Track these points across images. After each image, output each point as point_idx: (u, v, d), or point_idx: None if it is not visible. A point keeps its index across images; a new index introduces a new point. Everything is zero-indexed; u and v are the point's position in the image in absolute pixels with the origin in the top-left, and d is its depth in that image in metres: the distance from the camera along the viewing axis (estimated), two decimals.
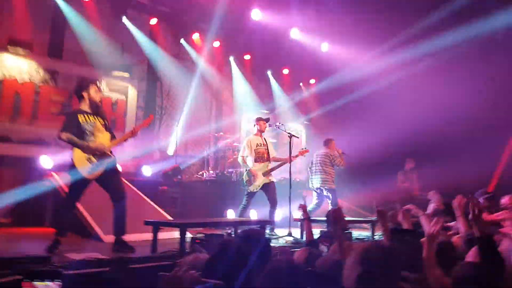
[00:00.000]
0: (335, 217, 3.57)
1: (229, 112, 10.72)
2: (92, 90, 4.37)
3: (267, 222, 5.81)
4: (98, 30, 8.11)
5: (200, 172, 9.00)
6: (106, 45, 8.19)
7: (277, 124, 6.88)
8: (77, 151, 4.18)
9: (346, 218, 7.05)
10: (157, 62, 9.28)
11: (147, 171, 7.98)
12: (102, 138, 4.34)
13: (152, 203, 6.45)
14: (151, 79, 9.49)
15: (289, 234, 5.91)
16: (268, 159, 6.39)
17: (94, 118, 4.35)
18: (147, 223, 4.58)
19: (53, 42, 7.97)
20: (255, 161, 6.30)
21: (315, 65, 11.36)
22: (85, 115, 4.30)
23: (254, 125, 6.53)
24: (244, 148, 6.37)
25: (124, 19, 8.78)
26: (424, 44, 9.30)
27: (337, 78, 11.01)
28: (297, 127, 11.59)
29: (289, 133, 6.48)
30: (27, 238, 5.29)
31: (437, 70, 9.48)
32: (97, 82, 4.57)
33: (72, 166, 4.18)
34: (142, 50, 9.03)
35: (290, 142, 6.40)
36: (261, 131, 6.47)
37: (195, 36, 9.94)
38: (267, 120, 6.60)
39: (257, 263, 2.16)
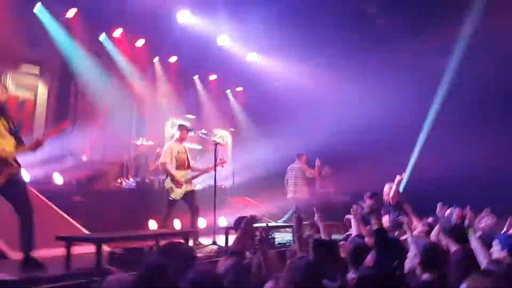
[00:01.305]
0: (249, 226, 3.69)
1: (152, 117, 10.20)
2: None
3: (191, 232, 5.65)
4: (4, 17, 7.20)
5: (119, 180, 8.42)
6: (12, 36, 7.29)
7: (203, 131, 6.85)
8: None
9: (270, 224, 7.29)
10: (73, 58, 8.46)
11: (59, 179, 7.23)
12: (5, 145, 3.85)
13: (64, 214, 5.85)
14: (64, 76, 8.60)
15: (214, 243, 5.86)
16: (189, 167, 6.32)
17: None
18: (58, 238, 4.14)
19: None
20: (176, 168, 6.18)
21: (243, 73, 11.36)
22: None
23: (177, 131, 6.43)
24: (165, 155, 6.18)
25: (37, 7, 7.91)
26: (345, 59, 9.86)
27: (263, 88, 11.23)
28: (223, 134, 11.49)
29: (214, 141, 6.44)
30: None
31: (352, 83, 10.20)
32: (5, 80, 4.06)
33: None
34: (55, 43, 8.18)
35: (215, 150, 6.33)
36: (182, 139, 6.34)
37: (117, 32, 9.29)
38: (190, 129, 6.54)
39: (178, 276, 2.13)
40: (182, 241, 4.95)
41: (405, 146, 10.12)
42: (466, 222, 3.66)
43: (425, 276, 2.76)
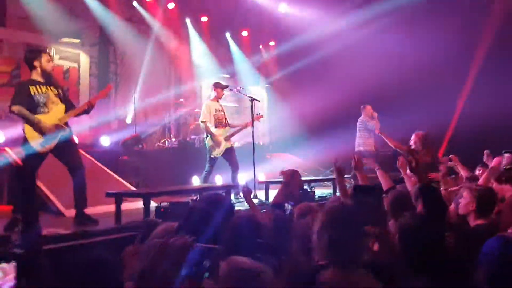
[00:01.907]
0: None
1: (188, 77, 10.44)
2: (44, 59, 4.17)
3: (232, 186, 5.89)
4: None
5: (162, 140, 8.84)
6: (53, 10, 7.64)
7: (238, 88, 6.90)
8: (28, 124, 4.01)
9: (308, 178, 7.43)
10: (109, 26, 8.78)
11: (106, 141, 7.73)
12: (56, 110, 4.18)
13: (113, 173, 6.31)
14: (103, 44, 9.01)
15: (255, 197, 5.99)
16: (227, 124, 6.43)
17: (47, 89, 4.16)
18: (109, 194, 4.50)
19: None
20: (215, 126, 6.28)
21: (274, 26, 11.18)
22: (37, 86, 4.12)
23: (212, 90, 6.46)
24: (204, 114, 6.30)
25: None
26: (374, 5, 9.44)
27: (296, 40, 10.99)
28: (258, 90, 11.54)
29: (250, 96, 6.49)
30: None
31: (395, 27, 9.65)
32: (48, 51, 4.35)
33: (25, 140, 4.01)
34: (92, 13, 8.50)
35: (252, 106, 6.41)
36: (218, 97, 6.42)
37: None
38: (225, 86, 6.54)
39: (221, 223, 2.23)
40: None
41: (452, 91, 9.69)
42: None
43: (478, 222, 2.77)
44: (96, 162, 6.36)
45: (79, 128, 7.67)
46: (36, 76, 4.17)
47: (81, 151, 6.56)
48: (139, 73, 9.19)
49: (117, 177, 6.27)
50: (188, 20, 10.45)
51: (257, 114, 6.74)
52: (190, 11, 10.25)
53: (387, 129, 8.59)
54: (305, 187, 6.59)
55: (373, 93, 9.24)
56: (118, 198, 4.44)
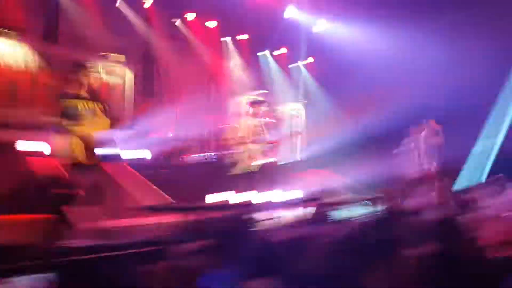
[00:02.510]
0: None
1: (227, 94, 10.62)
2: (91, 76, 4.35)
3: (274, 205, 5.81)
4: (92, 13, 7.95)
5: (201, 154, 8.97)
6: (101, 29, 8.04)
7: (277, 105, 6.93)
8: (74, 138, 4.17)
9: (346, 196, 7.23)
10: (153, 44, 9.15)
11: (147, 154, 7.95)
12: (101, 124, 4.30)
13: (154, 186, 6.44)
14: (147, 61, 9.39)
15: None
16: (264, 140, 6.45)
17: (93, 104, 4.30)
18: (150, 208, 4.59)
19: (48, 26, 7.85)
20: (253, 142, 6.35)
21: (312, 44, 11.21)
22: (85, 101, 4.26)
23: (249, 107, 6.59)
24: (242, 130, 6.46)
25: (119, 2, 8.62)
26: (423, 20, 9.21)
27: (334, 57, 10.95)
28: (296, 106, 11.53)
29: (289, 113, 6.50)
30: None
31: (439, 46, 9.44)
32: (95, 67, 4.51)
33: (70, 151, 4.16)
34: (137, 32, 8.88)
35: (290, 122, 6.42)
36: (255, 114, 6.50)
37: (190, 17, 9.76)
38: (261, 102, 6.67)
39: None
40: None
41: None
42: None
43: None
44: (138, 174, 6.52)
45: (124, 138, 7.96)
46: (83, 92, 4.34)
47: (124, 164, 6.82)
48: (181, 89, 9.44)
49: (158, 190, 6.38)
50: (227, 39, 10.70)
51: (296, 131, 6.74)
52: (230, 29, 10.50)
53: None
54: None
55: (415, 113, 9.00)
56: (158, 210, 4.52)
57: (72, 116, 4.19)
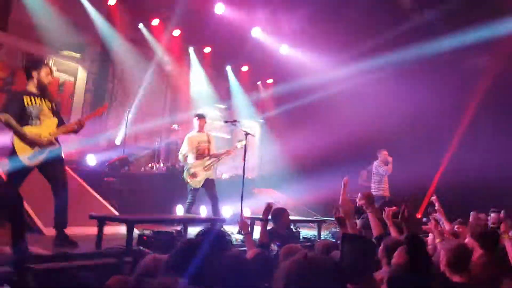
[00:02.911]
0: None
1: (184, 105, 10.41)
2: (44, 71, 4.10)
3: (218, 220, 5.74)
4: (50, 4, 7.50)
5: (150, 165, 8.66)
6: (58, 22, 7.60)
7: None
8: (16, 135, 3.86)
9: (294, 218, 7.30)
10: (112, 45, 8.75)
11: (92, 160, 7.53)
12: (48, 123, 4.06)
13: (97, 195, 6.09)
14: (103, 61, 8.94)
15: (240, 232, 5.86)
16: (209, 155, 6.35)
17: (41, 101, 4.05)
18: (92, 217, 4.32)
19: None
20: (196, 158, 6.27)
21: (274, 65, 11.40)
22: (32, 97, 4.01)
23: (196, 121, 6.48)
24: (185, 145, 6.35)
25: None
26: (376, 57, 9.76)
27: (294, 80, 11.21)
28: (252, 124, 11.58)
29: (245, 131, 6.50)
30: None
31: (392, 78, 10.06)
32: (49, 63, 4.26)
33: (12, 152, 3.85)
34: (96, 30, 8.47)
35: (246, 140, 6.38)
36: (201, 128, 6.44)
37: (155, 22, 9.49)
38: (205, 115, 6.64)
39: (210, 261, 2.13)
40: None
41: (442, 142, 9.98)
42: (502, 227, 3.53)
43: (455, 279, 2.76)
44: (80, 181, 6.15)
45: (66, 143, 7.47)
46: (32, 87, 4.08)
47: (66, 167, 6.39)
48: (135, 94, 9.11)
49: (101, 199, 6.05)
50: (191, 49, 10.53)
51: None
52: (194, 40, 10.35)
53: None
54: (291, 226, 6.48)
55: (363, 139, 9.40)
56: (101, 221, 4.27)
57: (17, 112, 3.88)
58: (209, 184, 6.24)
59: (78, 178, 6.17)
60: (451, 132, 10.17)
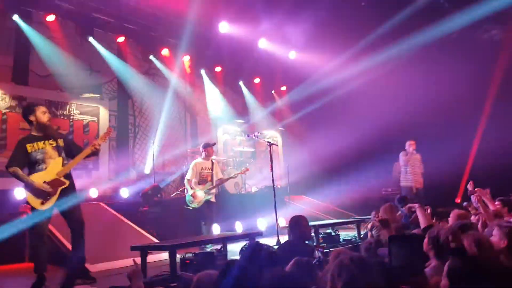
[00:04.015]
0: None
1: (204, 126, 10.62)
2: (39, 111, 4.18)
3: (256, 234, 5.77)
4: (64, 51, 7.87)
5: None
6: (73, 67, 7.97)
7: (256, 134, 7.00)
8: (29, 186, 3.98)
9: (331, 221, 7.27)
10: (127, 80, 9.08)
11: (125, 192, 7.77)
12: (53, 165, 4.09)
13: (134, 225, 6.27)
14: (122, 97, 9.27)
15: (278, 243, 5.85)
16: (211, 181, 6.55)
17: (44, 143, 4.12)
18: (134, 248, 4.44)
19: (18, 67, 7.64)
20: (199, 183, 6.48)
21: (285, 72, 11.49)
22: (34, 143, 4.08)
23: (202, 151, 6.68)
24: (189, 172, 6.56)
25: (91, 39, 8.58)
26: (386, 48, 9.64)
27: (307, 84, 11.23)
28: (273, 134, 11.63)
29: (267, 141, 6.57)
30: (9, 277, 5.00)
31: (408, 67, 9.81)
32: (43, 104, 4.36)
33: (27, 202, 3.99)
34: (111, 69, 8.82)
35: (270, 151, 6.46)
36: (208, 156, 6.63)
37: (164, 52, 9.80)
38: (213, 144, 6.86)
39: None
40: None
41: (470, 123, 9.71)
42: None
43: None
44: (116, 214, 6.35)
45: (99, 179, 7.77)
46: (34, 131, 4.16)
47: (101, 203, 6.63)
48: (157, 124, 9.38)
49: (139, 229, 6.23)
50: (203, 71, 10.76)
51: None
52: (204, 62, 10.60)
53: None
54: (328, 230, 6.48)
55: (387, 133, 9.26)
56: (144, 251, 4.38)
57: (23, 161, 4.00)
58: (208, 206, 6.44)
59: (115, 212, 6.38)
60: (478, 111, 9.86)
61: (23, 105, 6.87)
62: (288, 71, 11.41)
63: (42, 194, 3.95)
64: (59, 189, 4.04)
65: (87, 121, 8.50)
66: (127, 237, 5.81)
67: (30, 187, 3.96)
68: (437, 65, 9.68)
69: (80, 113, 8.34)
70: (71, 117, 8.16)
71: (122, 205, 7.10)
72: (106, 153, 8.52)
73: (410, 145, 8.17)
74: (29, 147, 4.07)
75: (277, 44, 10.73)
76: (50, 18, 7.90)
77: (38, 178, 3.99)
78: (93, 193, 7.18)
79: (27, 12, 7.69)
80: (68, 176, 4.17)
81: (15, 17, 7.46)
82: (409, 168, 8.06)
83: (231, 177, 6.98)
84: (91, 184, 7.44)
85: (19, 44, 7.62)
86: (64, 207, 4.08)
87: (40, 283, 3.82)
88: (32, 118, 4.17)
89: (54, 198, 4.01)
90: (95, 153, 4.30)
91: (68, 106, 8.12)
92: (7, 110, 7.32)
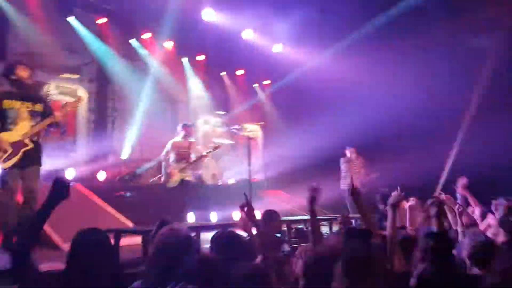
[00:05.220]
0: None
1: (184, 114, 10.56)
2: (19, 69, 4.13)
3: (229, 225, 5.83)
4: (43, 30, 7.68)
5: (157, 176, 8.80)
6: (52, 46, 7.79)
7: (235, 127, 7.04)
8: None
9: (305, 217, 7.38)
10: (108, 63, 8.90)
11: (102, 175, 7.71)
12: (21, 126, 4.08)
13: (110, 209, 6.25)
14: (101, 80, 9.06)
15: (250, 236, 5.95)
16: (188, 160, 6.72)
17: (21, 104, 4.09)
18: (108, 231, 4.44)
19: None
20: (176, 161, 6.63)
21: (270, 66, 11.48)
22: (12, 100, 4.06)
23: (181, 130, 6.85)
24: (165, 149, 6.77)
25: (70, 19, 8.38)
26: (370, 45, 9.67)
27: (290, 79, 11.28)
28: (254, 128, 11.68)
29: (247, 135, 6.66)
30: None
31: (384, 69, 9.82)
32: (24, 62, 4.28)
33: None
34: (90, 50, 8.66)
35: (248, 145, 6.53)
36: (186, 135, 6.81)
37: (146, 36, 9.65)
38: (191, 125, 7.13)
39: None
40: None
41: (447, 132, 9.73)
42: None
43: (474, 271, 2.75)
44: (94, 196, 6.31)
45: (77, 161, 7.67)
46: (14, 88, 4.12)
47: (79, 185, 6.58)
48: (136, 109, 9.28)
49: (114, 213, 6.21)
50: (185, 59, 10.66)
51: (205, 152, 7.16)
52: (187, 50, 10.50)
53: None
54: (301, 226, 6.62)
55: (367, 132, 9.37)
56: (118, 234, 4.41)
57: None
58: (185, 184, 6.60)
59: (92, 194, 6.34)
60: (457, 122, 9.78)
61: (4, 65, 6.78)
62: (272, 65, 11.35)
63: (3, 150, 3.97)
64: (22, 150, 4.03)
65: (66, 101, 8.32)
66: (103, 220, 5.80)
67: None
68: (424, 68, 9.72)
69: (59, 93, 8.18)
70: (49, 97, 7.98)
71: (99, 188, 7.06)
72: (84, 136, 8.39)
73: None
74: (6, 102, 4.04)
75: (262, 36, 10.69)
76: None
77: (4, 136, 4.00)
78: (70, 173, 7.09)
79: None
80: (35, 142, 4.14)
81: None
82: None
83: (203, 155, 7.04)
84: (69, 166, 7.34)
85: None
86: (24, 169, 4.07)
87: (7, 242, 3.79)
88: (13, 77, 4.11)
89: (15, 158, 4.00)
90: (55, 125, 4.23)
91: (46, 86, 7.94)
92: None
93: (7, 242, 3.88)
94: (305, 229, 6.48)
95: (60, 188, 2.26)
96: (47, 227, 4.90)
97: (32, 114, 4.14)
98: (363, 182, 8.37)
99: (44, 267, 3.50)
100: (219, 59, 11.08)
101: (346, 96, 10.11)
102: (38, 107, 4.22)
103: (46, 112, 4.25)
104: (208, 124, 11.05)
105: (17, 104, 4.08)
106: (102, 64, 8.89)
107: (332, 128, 9.62)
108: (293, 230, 6.35)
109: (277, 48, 11.20)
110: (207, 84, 11.07)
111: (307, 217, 7.23)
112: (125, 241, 4.79)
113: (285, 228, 5.92)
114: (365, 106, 9.70)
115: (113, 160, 8.75)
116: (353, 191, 3.47)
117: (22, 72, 4.13)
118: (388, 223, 2.88)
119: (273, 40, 10.99)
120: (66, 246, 4.63)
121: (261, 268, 2.42)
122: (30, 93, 4.22)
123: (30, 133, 4.10)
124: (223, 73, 11.65)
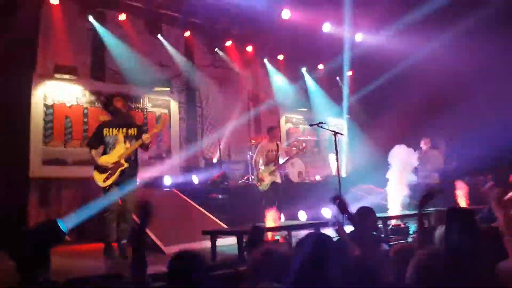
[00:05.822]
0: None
1: (267, 114, 10.72)
2: (116, 101, 4.75)
3: (321, 224, 5.75)
4: (135, 48, 8.35)
5: (246, 177, 9.06)
6: (144, 62, 8.43)
7: (319, 123, 6.88)
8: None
9: (400, 213, 6.97)
10: (194, 73, 9.48)
11: (195, 179, 8.15)
12: (117, 149, 4.65)
13: (204, 211, 6.58)
14: (190, 90, 9.70)
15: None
16: (276, 163, 6.79)
17: (118, 131, 4.67)
18: (205, 232, 4.70)
19: (95, 64, 8.25)
20: (265, 164, 6.70)
21: (351, 57, 11.10)
22: (110, 128, 4.68)
23: (267, 133, 7.04)
24: (257, 153, 6.90)
25: (160, 36, 9.04)
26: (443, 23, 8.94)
27: (373, 68, 10.79)
28: (339, 122, 11.42)
29: (332, 130, 6.48)
30: (91, 256, 5.36)
31: (456, 45, 8.95)
32: (121, 95, 4.95)
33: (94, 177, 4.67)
34: (178, 63, 9.24)
35: (335, 140, 6.36)
36: (272, 138, 6.92)
37: (228, 43, 10.04)
38: (276, 127, 7.36)
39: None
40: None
41: None
42: None
43: None
44: (189, 200, 6.69)
45: (171, 168, 8.22)
46: (114, 118, 4.76)
47: (174, 190, 7.04)
48: (222, 114, 9.66)
49: (209, 214, 6.52)
50: (265, 60, 10.83)
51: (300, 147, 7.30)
52: (266, 51, 10.67)
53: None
54: (398, 222, 6.32)
55: (449, 110, 8.69)
56: (214, 235, 4.62)
57: (99, 143, 4.67)
58: (275, 187, 6.66)
59: (187, 198, 6.73)
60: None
61: (101, 99, 7.57)
62: (353, 56, 10.98)
63: (103, 171, 4.58)
64: (119, 169, 4.62)
65: (159, 113, 8.96)
66: (198, 221, 6.13)
67: (95, 164, 4.64)
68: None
69: (153, 106, 8.82)
70: (145, 110, 8.65)
71: (192, 191, 7.47)
72: (177, 144, 8.97)
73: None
74: (105, 131, 4.69)
75: (341, 28, 10.37)
76: (122, 17, 8.42)
77: (104, 159, 4.61)
78: (167, 180, 7.68)
79: (101, 13, 8.23)
80: (131, 161, 4.71)
81: (90, 18, 8.02)
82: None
83: (290, 158, 7.12)
84: (165, 172, 7.90)
85: (95, 43, 8.19)
86: (122, 186, 4.64)
87: (108, 250, 4.37)
88: (111, 108, 4.80)
89: (114, 177, 4.59)
90: (144, 146, 4.76)
91: (141, 100, 8.63)
92: (88, 105, 7.90)
93: (107, 250, 4.53)
94: (402, 226, 6.19)
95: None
96: (150, 233, 5.31)
97: (127, 138, 4.74)
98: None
99: (150, 270, 3.78)
100: (299, 56, 11.07)
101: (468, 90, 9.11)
102: (132, 131, 4.80)
103: (139, 135, 4.82)
104: (291, 122, 11.09)
105: (114, 131, 4.70)
106: (189, 75, 9.45)
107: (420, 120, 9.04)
108: (390, 227, 6.09)
109: (358, 37, 10.84)
110: (289, 82, 11.10)
111: (404, 212, 6.91)
112: (220, 241, 5.00)
113: (381, 225, 5.70)
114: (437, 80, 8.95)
115: (204, 164, 9.22)
116: None
117: (118, 103, 4.76)
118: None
119: (354, 31, 10.60)
120: (167, 249, 4.98)
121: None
122: (126, 120, 4.82)
123: (125, 155, 4.67)
124: (303, 69, 11.55)
